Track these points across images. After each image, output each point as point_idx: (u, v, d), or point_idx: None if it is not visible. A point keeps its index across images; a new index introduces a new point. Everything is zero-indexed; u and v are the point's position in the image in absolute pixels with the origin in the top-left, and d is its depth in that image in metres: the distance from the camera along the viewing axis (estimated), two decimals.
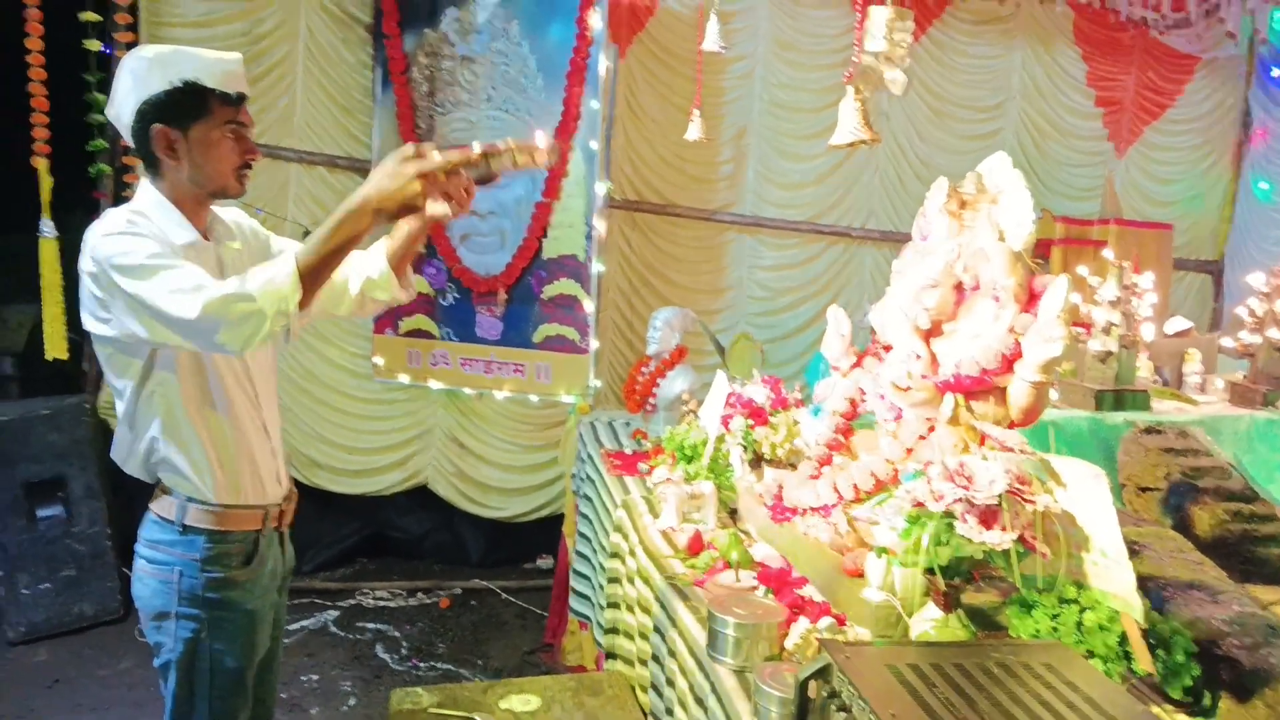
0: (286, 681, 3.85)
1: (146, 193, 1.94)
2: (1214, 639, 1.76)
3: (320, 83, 4.82)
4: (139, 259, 1.75)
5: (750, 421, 2.85)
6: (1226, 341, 4.46)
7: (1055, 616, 1.71)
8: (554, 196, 4.57)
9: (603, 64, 4.49)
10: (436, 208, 1.77)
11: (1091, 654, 1.66)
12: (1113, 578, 1.62)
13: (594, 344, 4.66)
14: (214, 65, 1.89)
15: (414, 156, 1.73)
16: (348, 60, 4.84)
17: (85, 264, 1.81)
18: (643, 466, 3.20)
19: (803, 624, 1.84)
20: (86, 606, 4.31)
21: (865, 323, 2.49)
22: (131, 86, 1.87)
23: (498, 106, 4.60)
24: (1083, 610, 1.69)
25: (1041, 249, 5.30)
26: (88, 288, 1.82)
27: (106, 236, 1.78)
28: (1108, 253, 4.42)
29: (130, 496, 2.02)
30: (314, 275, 1.75)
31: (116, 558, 4.34)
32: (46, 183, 4.15)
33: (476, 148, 1.78)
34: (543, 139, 1.83)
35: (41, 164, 4.16)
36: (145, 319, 1.76)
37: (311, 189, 4.87)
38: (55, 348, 4.15)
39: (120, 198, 4.50)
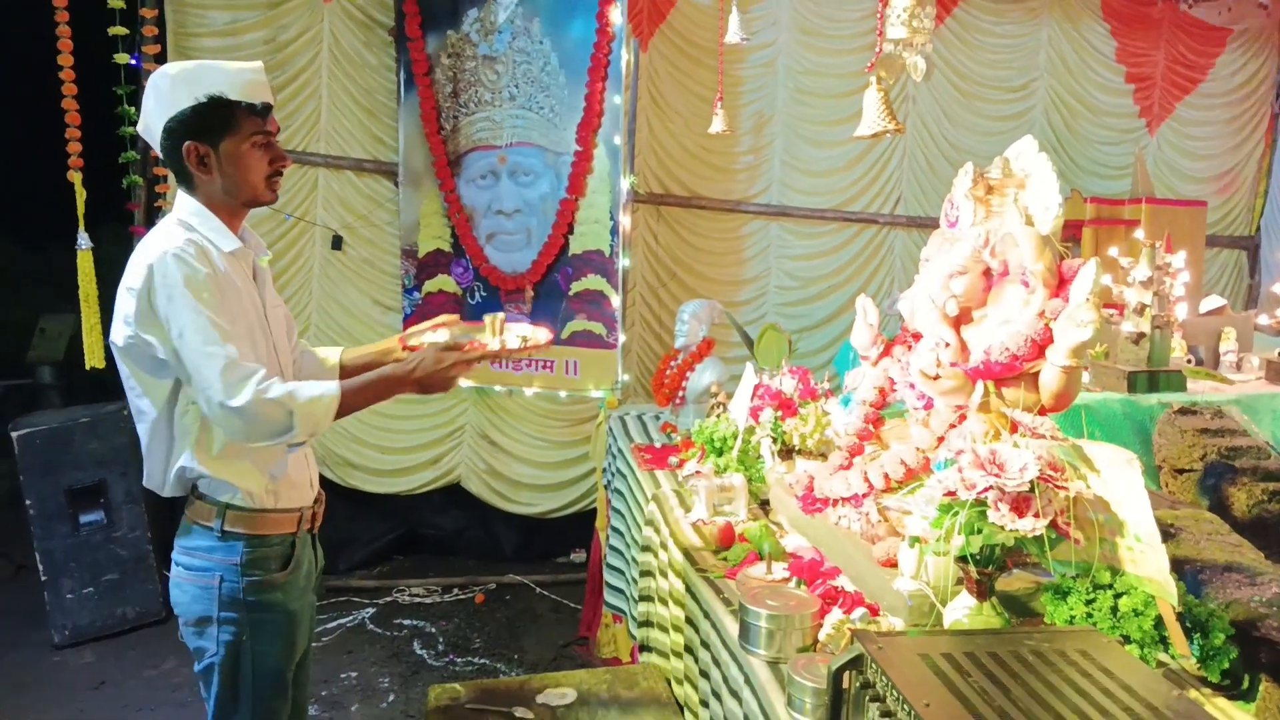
0: (326, 679, 3.91)
1: (186, 203, 1.97)
2: (1252, 621, 1.74)
3: (345, 87, 4.86)
4: (209, 312, 1.81)
5: (779, 413, 2.85)
6: (1262, 319, 4.38)
7: (1090, 602, 1.70)
8: (579, 193, 4.58)
9: (624, 58, 4.49)
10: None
11: (1127, 639, 1.64)
12: (1147, 562, 1.61)
13: (622, 338, 4.67)
14: (237, 77, 1.91)
15: (453, 348, 2.02)
16: (371, 64, 4.88)
17: (137, 278, 1.83)
18: (673, 460, 3.21)
19: (836, 615, 1.84)
20: (129, 609, 4.40)
21: (894, 309, 2.48)
22: (157, 104, 1.90)
23: (521, 105, 4.62)
24: (1117, 595, 1.68)
25: (1072, 230, 5.24)
26: (134, 300, 1.84)
27: (177, 259, 1.82)
28: (1139, 233, 4.35)
29: (169, 501, 2.05)
30: (343, 414, 1.93)
31: (157, 561, 4.42)
32: (81, 196, 4.23)
33: (497, 344, 2.13)
34: (544, 335, 2.22)
35: (76, 178, 4.23)
36: (181, 362, 1.83)
37: (339, 192, 4.91)
38: (94, 357, 4.23)
39: (152, 208, 4.57)
